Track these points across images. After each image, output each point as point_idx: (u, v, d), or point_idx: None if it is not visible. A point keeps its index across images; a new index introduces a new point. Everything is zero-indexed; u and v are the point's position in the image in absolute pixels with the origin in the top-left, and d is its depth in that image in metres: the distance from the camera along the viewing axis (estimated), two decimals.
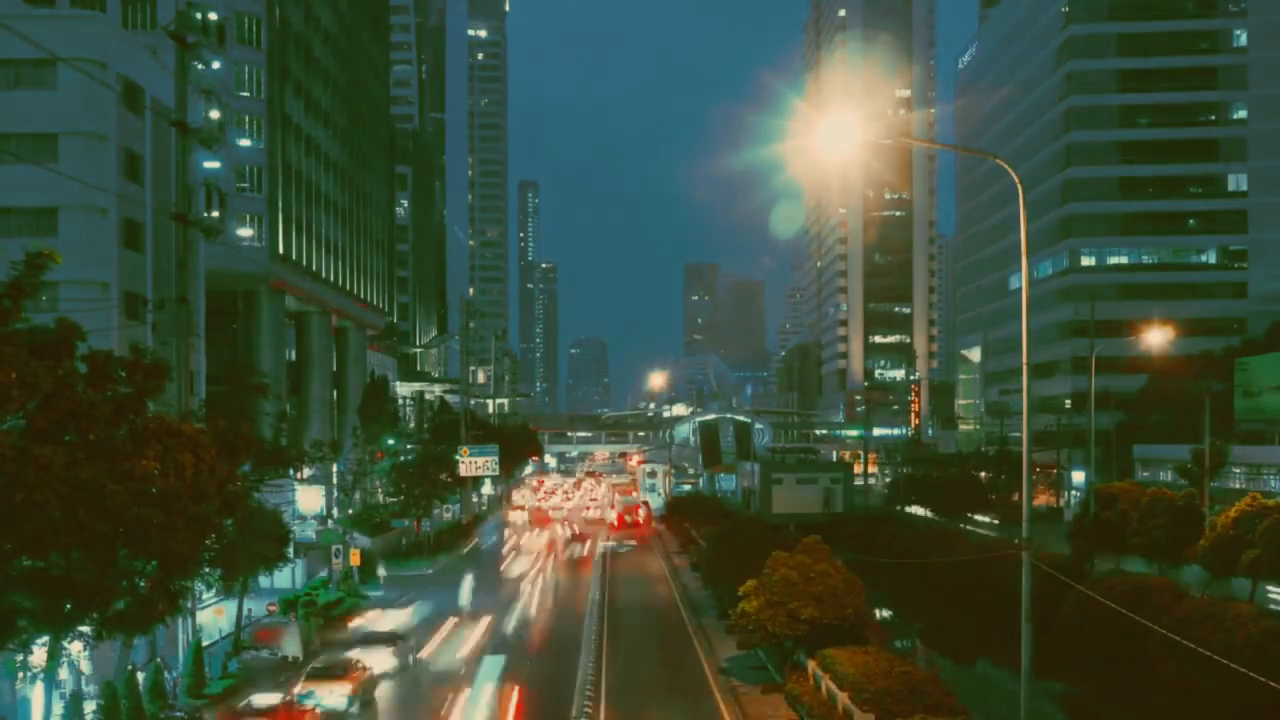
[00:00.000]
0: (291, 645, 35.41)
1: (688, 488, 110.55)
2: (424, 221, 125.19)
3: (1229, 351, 77.78)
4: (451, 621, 42.32)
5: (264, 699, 25.83)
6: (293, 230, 66.59)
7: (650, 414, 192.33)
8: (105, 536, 18.37)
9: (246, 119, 62.68)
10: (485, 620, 42.70)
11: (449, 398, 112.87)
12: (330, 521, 53.94)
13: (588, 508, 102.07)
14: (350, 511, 60.35)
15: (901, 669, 26.43)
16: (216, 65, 57.93)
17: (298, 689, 27.73)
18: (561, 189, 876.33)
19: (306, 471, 51.33)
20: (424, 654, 36.75)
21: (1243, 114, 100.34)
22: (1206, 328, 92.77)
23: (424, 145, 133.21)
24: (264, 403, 45.85)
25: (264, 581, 41.21)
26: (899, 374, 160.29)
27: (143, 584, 21.05)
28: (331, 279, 75.04)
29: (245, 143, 62.43)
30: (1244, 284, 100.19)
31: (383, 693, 31.19)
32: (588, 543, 71.86)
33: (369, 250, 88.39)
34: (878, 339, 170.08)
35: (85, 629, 20.45)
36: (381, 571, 54.25)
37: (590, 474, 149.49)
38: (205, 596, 34.59)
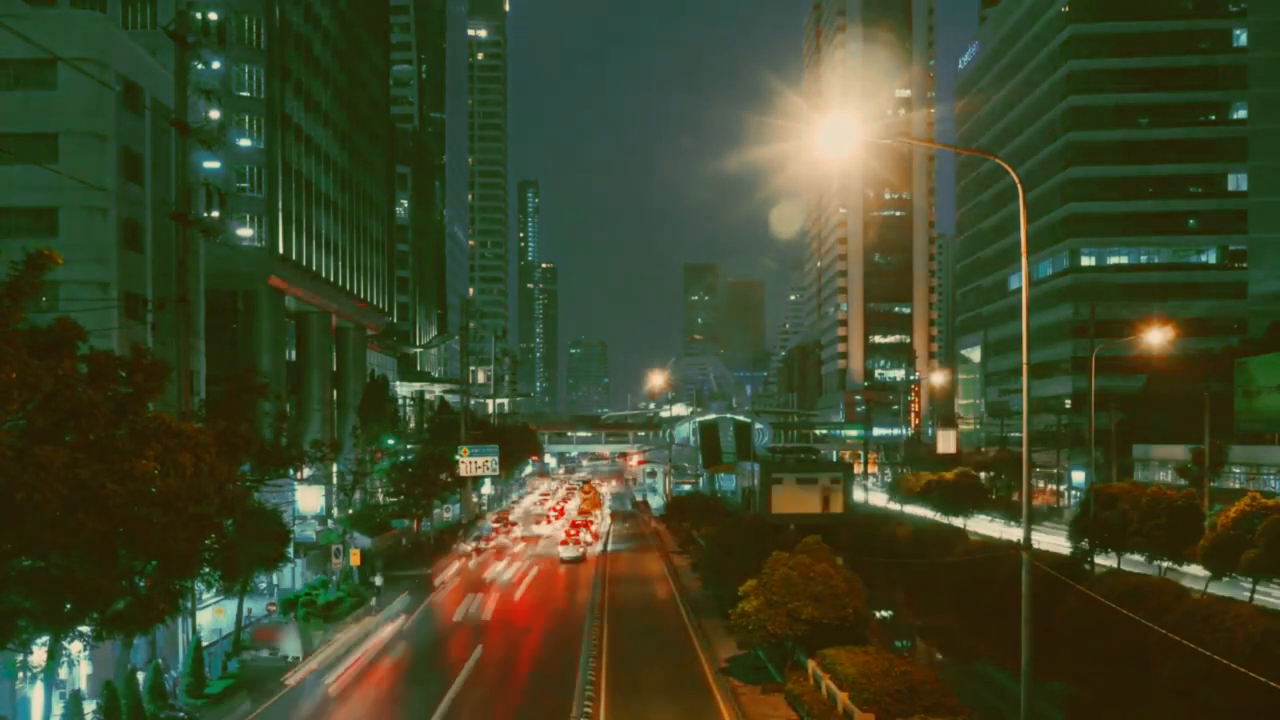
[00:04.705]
0: (291, 645, 35.41)
1: (688, 488, 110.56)
2: (424, 221, 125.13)
3: (1229, 351, 77.75)
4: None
5: None
6: (292, 230, 66.56)
7: (650, 414, 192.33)
8: (105, 536, 18.37)
9: (246, 119, 62.62)
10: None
11: (449, 398, 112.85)
12: (330, 521, 53.86)
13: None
14: (350, 511, 60.30)
15: (901, 669, 26.42)
16: (216, 65, 57.87)
17: None
18: (561, 189, 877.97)
19: (306, 471, 51.23)
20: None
21: (1243, 114, 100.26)
22: (1206, 328, 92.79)
23: (424, 145, 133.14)
24: (264, 403, 45.77)
25: (263, 582, 41.18)
26: (899, 374, 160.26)
27: (143, 584, 21.06)
28: (331, 279, 75.02)
29: (245, 143, 62.37)
30: (1244, 284, 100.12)
31: None
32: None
33: (369, 250, 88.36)
34: (878, 339, 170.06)
35: (85, 629, 20.44)
36: (378, 580, 49.60)
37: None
38: (205, 596, 34.58)
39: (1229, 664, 24.44)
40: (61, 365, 18.47)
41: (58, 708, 23.94)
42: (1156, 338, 60.39)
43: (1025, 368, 22.63)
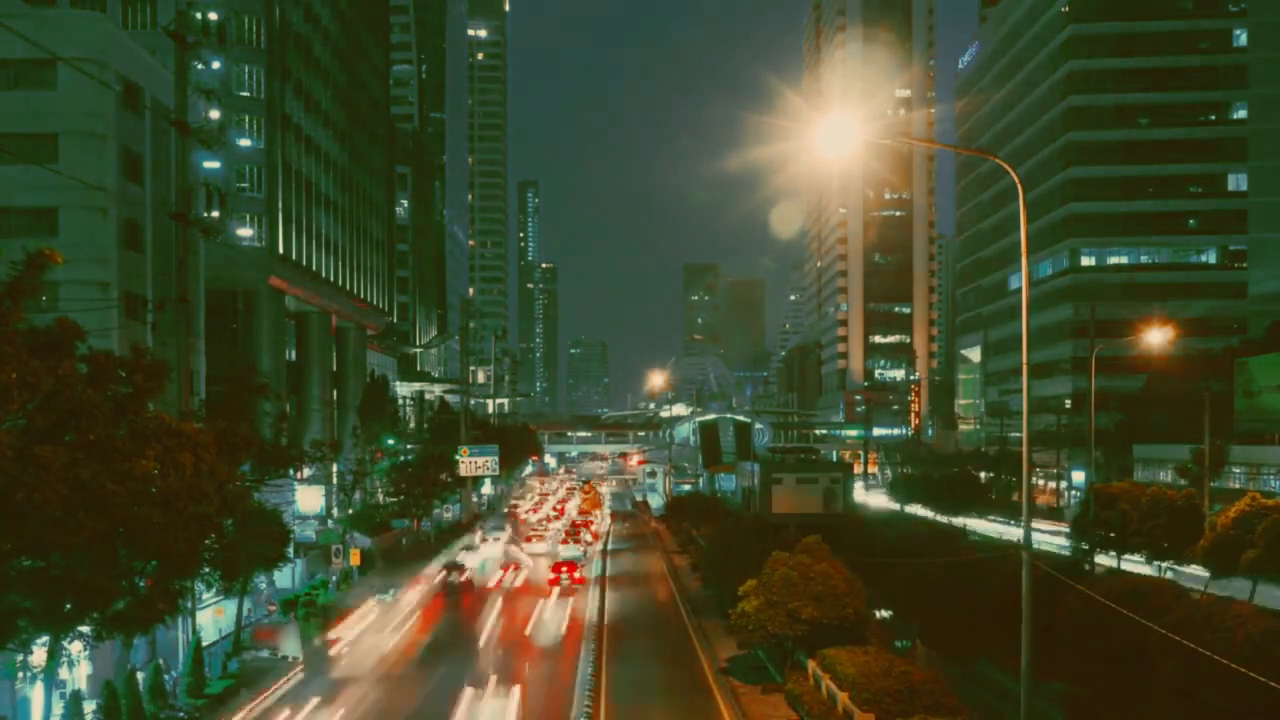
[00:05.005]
0: (291, 645, 35.41)
1: (688, 488, 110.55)
2: (424, 221, 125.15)
3: (1229, 351, 77.74)
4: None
5: None
6: (292, 230, 66.59)
7: (650, 414, 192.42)
8: (105, 536, 18.36)
9: (246, 119, 62.66)
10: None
11: (449, 398, 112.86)
12: (330, 521, 53.88)
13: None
14: (350, 511, 60.30)
15: (901, 669, 26.40)
16: (216, 65, 57.93)
17: None
18: (561, 189, 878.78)
19: (306, 471, 51.26)
20: None
21: (1243, 114, 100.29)
22: (1206, 328, 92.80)
23: (424, 145, 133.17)
24: (264, 403, 45.81)
25: (263, 582, 41.17)
26: (899, 374, 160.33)
27: (143, 584, 21.05)
28: (331, 279, 75.04)
29: (245, 143, 62.41)
30: (1244, 284, 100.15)
31: None
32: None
33: (369, 250, 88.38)
34: (878, 339, 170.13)
35: (85, 629, 20.44)
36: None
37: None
38: (205, 596, 34.58)
39: (1229, 664, 24.43)
40: (61, 365, 18.45)
41: (58, 708, 23.93)
42: (1156, 338, 60.29)
43: (1025, 368, 22.63)
